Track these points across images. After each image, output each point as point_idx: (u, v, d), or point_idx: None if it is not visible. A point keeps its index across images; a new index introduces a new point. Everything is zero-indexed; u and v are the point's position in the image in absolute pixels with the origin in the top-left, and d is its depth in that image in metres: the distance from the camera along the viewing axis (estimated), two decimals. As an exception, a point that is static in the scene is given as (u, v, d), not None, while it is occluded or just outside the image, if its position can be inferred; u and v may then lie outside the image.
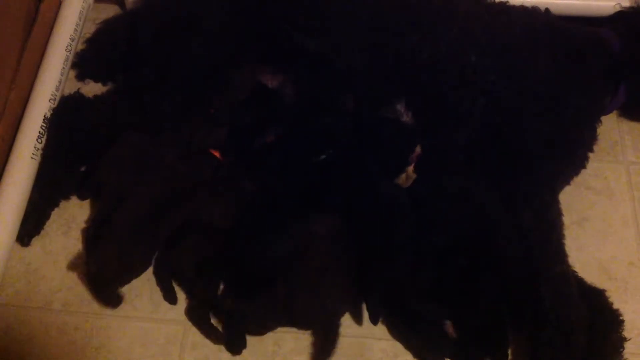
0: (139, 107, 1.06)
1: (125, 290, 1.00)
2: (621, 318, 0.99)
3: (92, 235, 1.00)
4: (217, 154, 1.07)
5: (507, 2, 1.16)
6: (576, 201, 1.12)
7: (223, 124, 1.09)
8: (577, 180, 1.11)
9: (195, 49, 1.08)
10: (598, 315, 0.98)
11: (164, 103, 1.06)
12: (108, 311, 0.99)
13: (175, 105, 1.06)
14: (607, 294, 1.02)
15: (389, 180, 1.07)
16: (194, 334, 0.99)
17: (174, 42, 1.08)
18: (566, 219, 1.07)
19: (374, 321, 0.95)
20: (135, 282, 1.00)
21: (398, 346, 0.99)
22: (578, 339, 0.94)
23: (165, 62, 1.08)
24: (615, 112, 1.18)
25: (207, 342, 0.99)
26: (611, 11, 1.21)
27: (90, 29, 1.26)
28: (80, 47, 1.23)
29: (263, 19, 1.11)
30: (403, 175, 1.07)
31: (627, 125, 1.19)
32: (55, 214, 1.07)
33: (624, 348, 0.97)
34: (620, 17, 1.19)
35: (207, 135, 1.09)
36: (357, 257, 0.98)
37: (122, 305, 1.00)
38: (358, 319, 0.99)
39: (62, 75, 1.14)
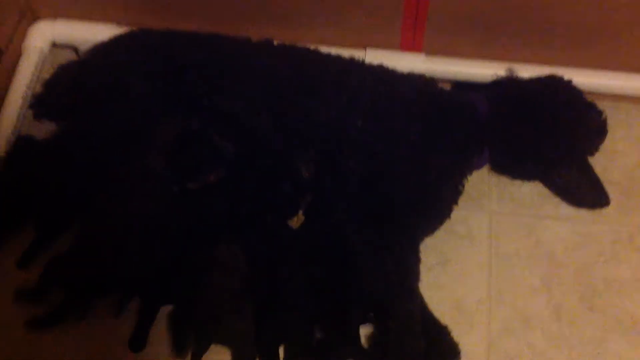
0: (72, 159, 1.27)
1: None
2: (458, 349, 1.20)
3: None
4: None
5: (395, 71, 1.35)
6: (442, 244, 1.31)
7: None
8: (446, 226, 1.30)
9: (121, 110, 1.29)
10: (436, 346, 1.20)
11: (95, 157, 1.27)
12: None
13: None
14: (455, 326, 1.22)
15: (283, 222, 1.28)
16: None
17: (102, 103, 1.29)
18: (431, 260, 1.29)
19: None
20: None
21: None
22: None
23: (95, 120, 1.29)
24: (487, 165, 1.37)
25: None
26: (489, 79, 1.39)
27: (49, 72, 1.46)
28: (38, 89, 1.44)
29: (185, 83, 1.31)
30: (295, 218, 1.28)
31: (495, 179, 1.37)
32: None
33: (455, 374, 1.19)
34: (494, 85, 1.38)
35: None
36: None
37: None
38: None
39: (18, 121, 1.36)
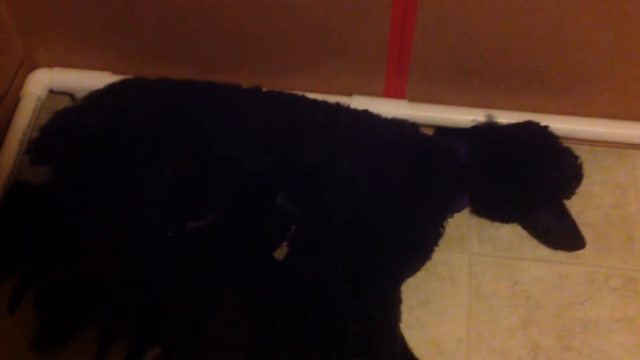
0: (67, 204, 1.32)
1: None
2: (437, 389, 1.24)
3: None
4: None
5: (379, 116, 1.41)
6: (424, 285, 1.35)
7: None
8: (428, 267, 1.34)
9: (116, 156, 1.34)
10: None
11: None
12: None
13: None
14: (435, 366, 1.27)
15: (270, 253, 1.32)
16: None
17: (97, 149, 1.34)
18: (413, 300, 1.33)
19: None
20: None
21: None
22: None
23: (90, 166, 1.34)
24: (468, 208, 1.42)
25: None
26: (469, 124, 1.45)
27: (46, 118, 1.51)
28: (35, 134, 1.49)
29: (178, 128, 1.37)
30: (279, 249, 1.32)
31: (475, 221, 1.42)
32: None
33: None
34: (474, 130, 1.44)
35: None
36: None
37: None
38: None
39: (14, 166, 1.41)
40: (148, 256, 1.29)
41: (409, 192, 1.32)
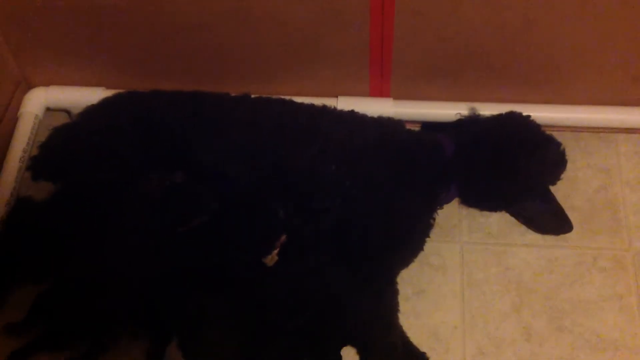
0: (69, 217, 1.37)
1: None
2: (436, 375, 1.29)
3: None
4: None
5: (365, 116, 1.45)
6: (418, 275, 1.39)
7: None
8: (421, 257, 1.38)
9: (112, 168, 1.39)
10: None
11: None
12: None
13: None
14: (433, 352, 1.31)
15: (259, 260, 1.35)
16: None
17: (95, 162, 1.39)
18: (408, 290, 1.38)
19: None
20: None
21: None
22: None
23: (89, 178, 1.39)
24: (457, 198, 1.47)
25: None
26: (453, 118, 1.50)
27: (44, 134, 1.56)
28: (34, 151, 1.54)
29: (169, 139, 1.41)
30: (269, 256, 1.34)
31: (465, 210, 1.46)
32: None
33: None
34: (458, 124, 1.48)
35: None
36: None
37: None
38: None
39: (16, 183, 1.46)
40: (141, 262, 1.33)
41: (396, 189, 1.35)
